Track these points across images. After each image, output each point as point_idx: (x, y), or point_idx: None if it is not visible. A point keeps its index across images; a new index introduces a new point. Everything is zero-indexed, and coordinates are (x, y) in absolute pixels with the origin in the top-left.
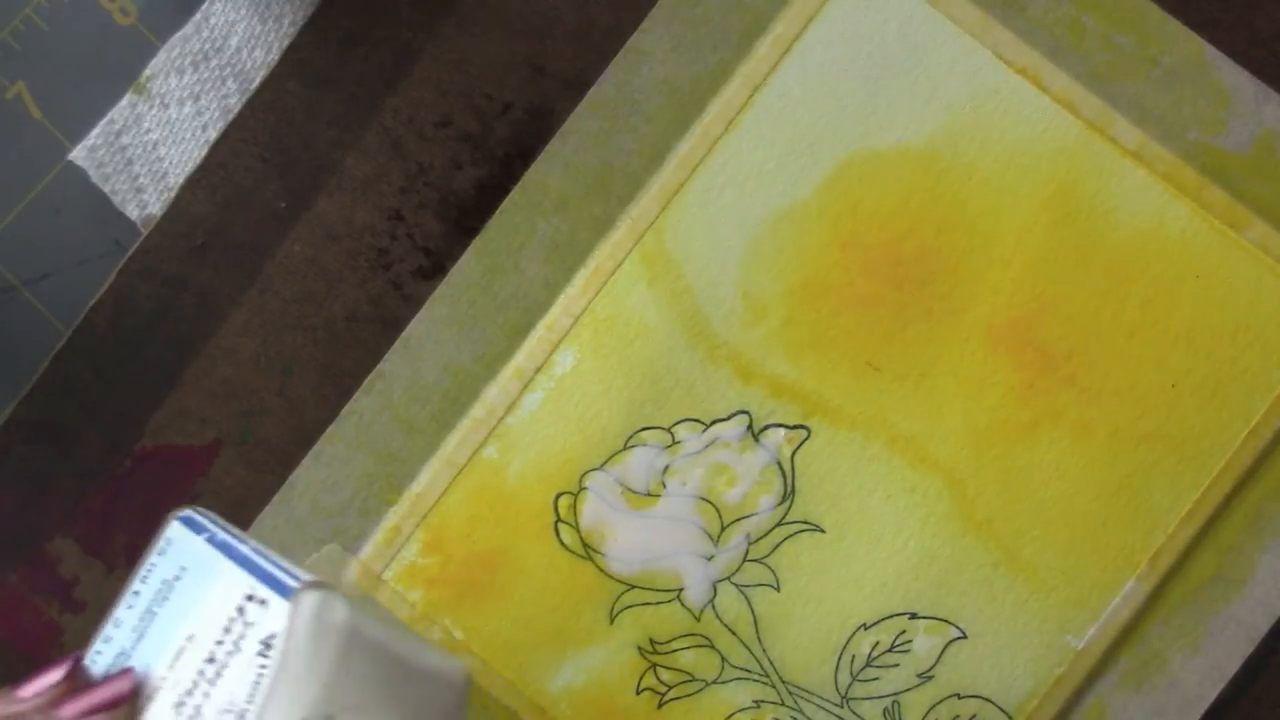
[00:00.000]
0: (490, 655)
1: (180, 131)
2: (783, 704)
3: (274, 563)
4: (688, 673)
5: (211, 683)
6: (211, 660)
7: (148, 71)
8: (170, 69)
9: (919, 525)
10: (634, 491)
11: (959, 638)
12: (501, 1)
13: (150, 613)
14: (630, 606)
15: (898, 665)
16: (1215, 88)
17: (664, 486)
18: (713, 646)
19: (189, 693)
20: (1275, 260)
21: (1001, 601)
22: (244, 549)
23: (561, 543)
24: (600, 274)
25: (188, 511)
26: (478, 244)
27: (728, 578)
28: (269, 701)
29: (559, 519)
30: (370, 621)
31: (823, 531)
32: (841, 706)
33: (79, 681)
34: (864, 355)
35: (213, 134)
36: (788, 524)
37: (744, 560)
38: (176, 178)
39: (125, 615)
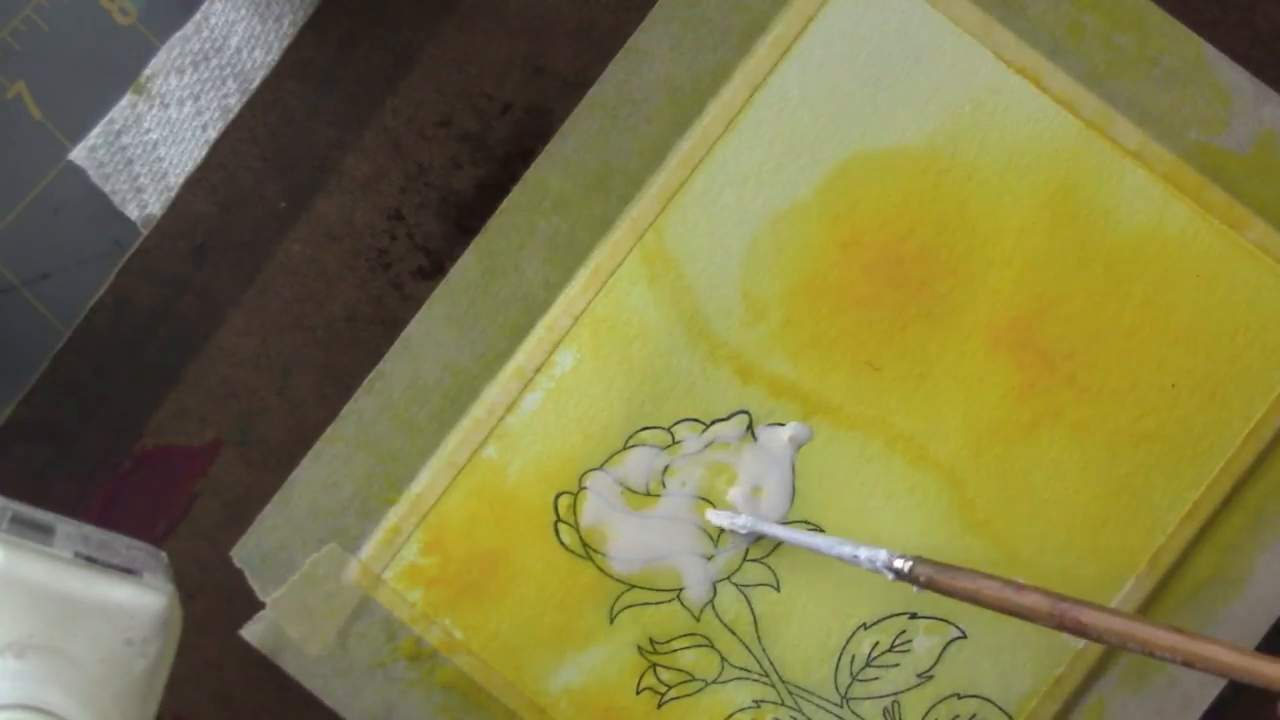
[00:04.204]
0: (490, 655)
1: (180, 131)
2: (783, 704)
3: None
4: (688, 673)
5: None
6: None
7: (148, 71)
8: (170, 69)
9: (919, 525)
10: (634, 491)
11: (959, 637)
12: (501, 1)
13: None
14: (630, 606)
15: (898, 665)
16: (1215, 88)
17: (664, 486)
18: (713, 646)
19: None
20: (1275, 260)
21: None
22: None
23: (561, 543)
24: (600, 274)
25: None
26: (478, 244)
27: (728, 577)
28: None
29: (559, 519)
30: (27, 560)
31: (823, 531)
32: (841, 706)
33: None
34: (864, 355)
35: (213, 134)
36: (788, 524)
37: (744, 560)
38: (176, 178)
39: None
